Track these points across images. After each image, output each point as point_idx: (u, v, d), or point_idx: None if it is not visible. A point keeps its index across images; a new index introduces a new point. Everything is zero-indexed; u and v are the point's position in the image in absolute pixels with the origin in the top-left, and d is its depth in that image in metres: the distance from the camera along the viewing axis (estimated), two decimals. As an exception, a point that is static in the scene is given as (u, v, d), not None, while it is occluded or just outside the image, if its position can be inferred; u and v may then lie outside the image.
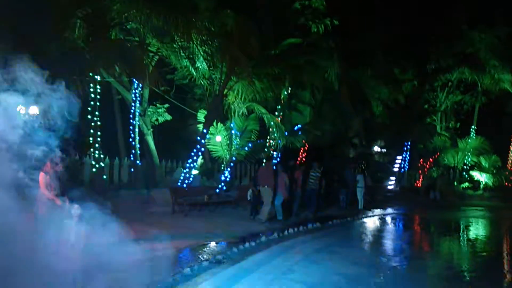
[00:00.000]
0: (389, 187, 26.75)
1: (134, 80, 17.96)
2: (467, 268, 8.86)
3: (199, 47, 15.91)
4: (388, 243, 11.58)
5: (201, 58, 16.44)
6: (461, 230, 15.41)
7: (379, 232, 13.64)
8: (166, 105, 22.52)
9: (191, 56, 16.56)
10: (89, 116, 17.00)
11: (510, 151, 31.10)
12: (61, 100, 5.91)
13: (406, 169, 29.38)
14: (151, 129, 20.36)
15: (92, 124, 17.01)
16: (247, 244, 9.33)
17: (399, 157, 28.83)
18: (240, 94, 18.19)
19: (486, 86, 29.25)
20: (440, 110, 31.19)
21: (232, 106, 18.69)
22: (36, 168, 7.54)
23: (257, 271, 7.25)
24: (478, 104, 31.02)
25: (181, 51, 16.38)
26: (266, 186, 13.57)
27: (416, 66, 28.24)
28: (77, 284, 5.76)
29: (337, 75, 20.37)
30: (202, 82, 17.61)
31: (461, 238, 13.47)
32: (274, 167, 14.76)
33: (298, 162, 23.23)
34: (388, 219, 16.78)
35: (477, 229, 15.57)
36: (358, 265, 8.09)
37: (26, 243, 5.97)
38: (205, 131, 16.76)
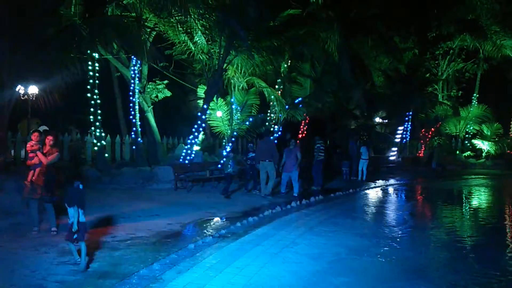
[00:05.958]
0: (391, 158, 26.76)
1: (133, 56, 17.79)
2: (469, 237, 8.90)
3: (196, 21, 15.68)
4: (391, 214, 11.62)
5: (199, 32, 16.23)
6: (463, 199, 15.46)
7: (382, 203, 13.68)
8: (166, 81, 22.39)
9: (189, 30, 16.33)
10: (88, 94, 16.92)
11: (512, 118, 31.04)
12: None
13: (407, 139, 29.34)
14: (151, 106, 20.29)
15: (92, 102, 16.95)
16: (250, 219, 9.37)
17: (401, 128, 28.76)
18: (239, 68, 18.05)
19: (488, 53, 28.97)
20: (442, 78, 30.99)
21: (232, 81, 18.57)
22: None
23: (261, 244, 7.29)
24: (480, 72, 30.80)
25: (179, 26, 16.15)
26: (267, 161, 13.48)
27: (416, 34, 27.94)
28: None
29: (337, 46, 20.12)
30: (201, 57, 17.43)
31: (463, 207, 13.52)
32: (290, 143, 14.35)
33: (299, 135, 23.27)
34: (391, 190, 16.81)
35: (479, 198, 15.62)
36: (361, 236, 8.14)
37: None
38: (205, 106, 16.68)
